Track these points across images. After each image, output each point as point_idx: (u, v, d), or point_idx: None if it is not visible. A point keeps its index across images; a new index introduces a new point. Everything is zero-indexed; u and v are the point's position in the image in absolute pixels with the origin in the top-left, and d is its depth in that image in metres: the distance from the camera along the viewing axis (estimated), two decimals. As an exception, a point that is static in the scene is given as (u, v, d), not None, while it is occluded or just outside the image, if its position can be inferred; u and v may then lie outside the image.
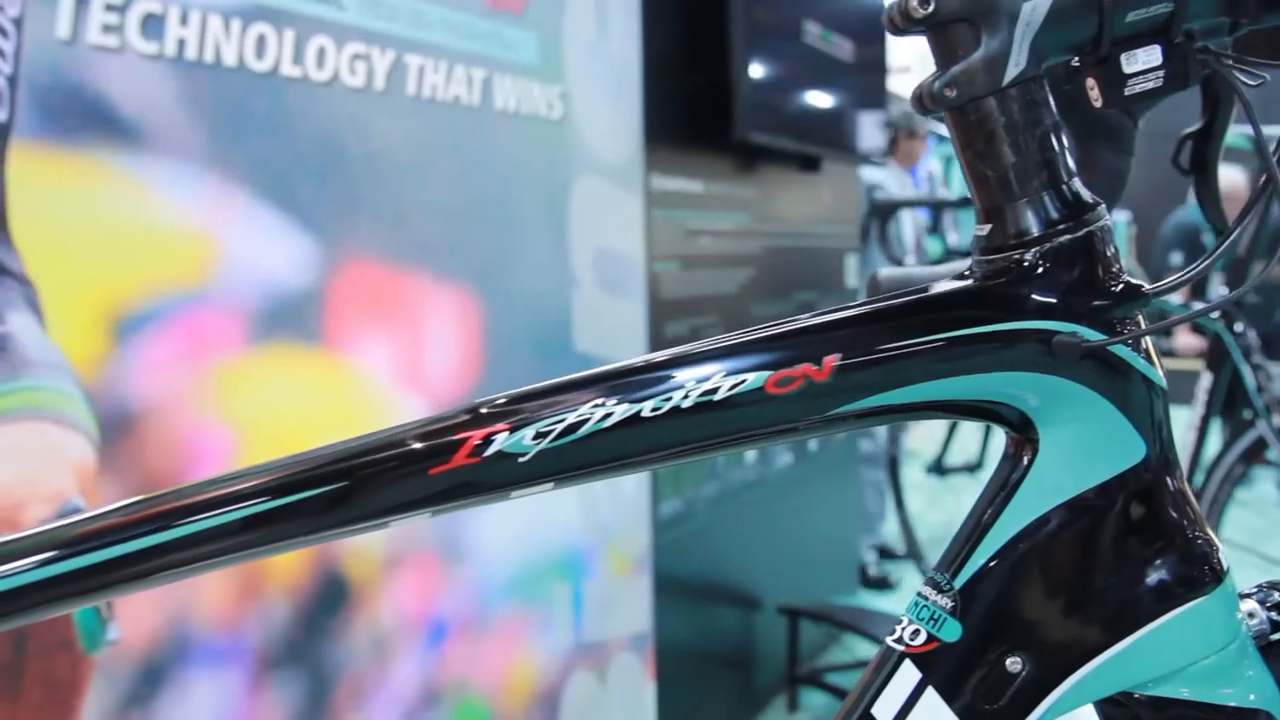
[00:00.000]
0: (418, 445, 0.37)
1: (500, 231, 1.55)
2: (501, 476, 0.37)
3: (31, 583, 0.37)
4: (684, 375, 0.40)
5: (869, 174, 3.25)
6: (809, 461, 2.82)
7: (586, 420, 0.37)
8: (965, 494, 3.68)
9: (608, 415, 0.37)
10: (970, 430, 3.10)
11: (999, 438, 0.46)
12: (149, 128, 1.06)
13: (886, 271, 0.48)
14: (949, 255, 3.69)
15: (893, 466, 3.12)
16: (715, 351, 0.41)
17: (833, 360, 0.41)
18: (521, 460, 0.37)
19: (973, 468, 3.03)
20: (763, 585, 2.56)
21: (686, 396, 0.40)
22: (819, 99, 2.56)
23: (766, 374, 0.40)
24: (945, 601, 0.42)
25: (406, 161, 1.37)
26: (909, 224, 3.48)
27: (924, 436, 4.62)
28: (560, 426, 0.37)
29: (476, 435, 0.37)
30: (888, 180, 3.37)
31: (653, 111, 1.91)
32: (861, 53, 2.74)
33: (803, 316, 0.43)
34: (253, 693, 1.18)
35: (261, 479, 0.37)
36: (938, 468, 3.06)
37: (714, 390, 0.40)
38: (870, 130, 2.80)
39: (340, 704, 1.29)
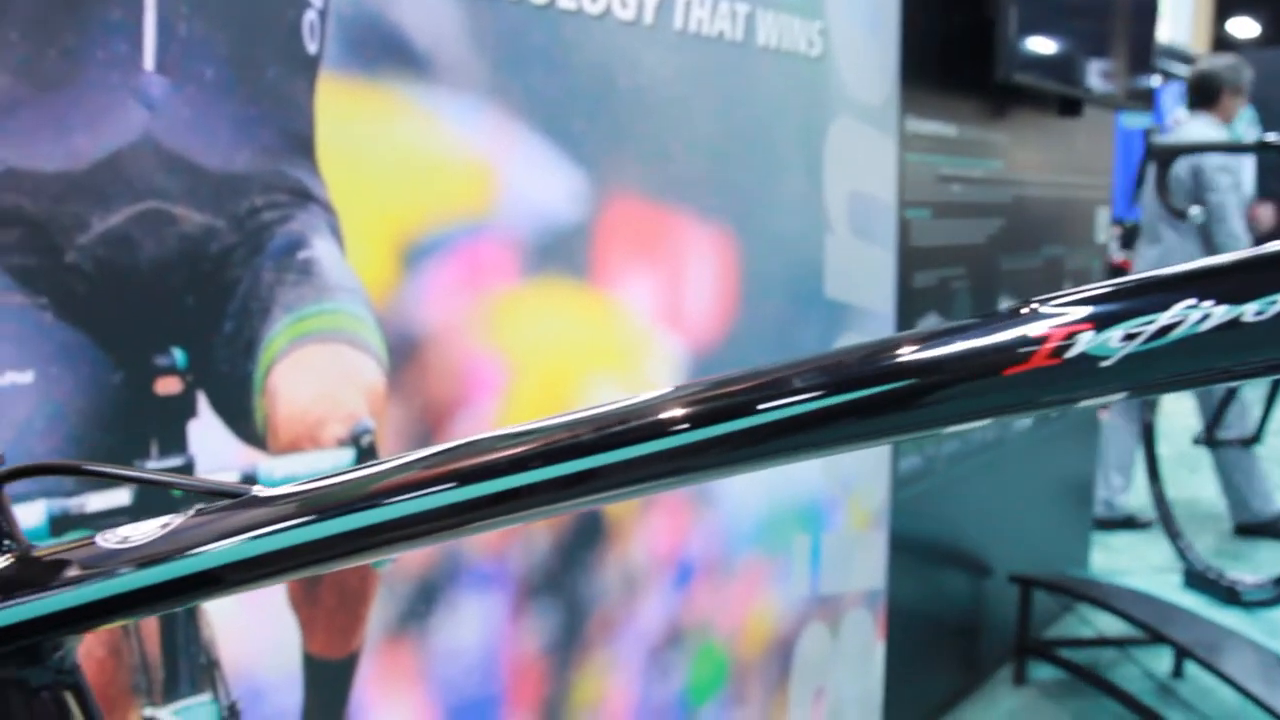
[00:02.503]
0: (989, 343, 0.33)
1: (758, 171, 1.51)
2: (1080, 382, 0.32)
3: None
4: None
5: (1193, 128, 2.97)
6: (1048, 426, 2.67)
7: (1180, 322, 0.32)
8: (1207, 473, 3.41)
9: (1205, 317, 0.32)
10: (1254, 398, 2.81)
11: None
12: (438, 59, 1.08)
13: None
14: None
15: (1148, 435, 2.90)
16: None
17: None
18: (1104, 364, 0.32)
19: (1248, 441, 2.72)
20: (994, 551, 2.46)
21: None
22: (1085, 38, 2.37)
23: None
24: None
25: (672, 96, 1.35)
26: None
27: (1167, 409, 4.31)
28: (1152, 328, 0.32)
29: (1058, 334, 0.32)
30: (1209, 134, 3.05)
31: (909, 50, 1.81)
32: (1132, -13, 2.53)
33: None
34: (514, 618, 1.21)
35: (807, 382, 0.33)
36: (1208, 439, 2.78)
37: None
38: (1137, 72, 2.59)
39: (592, 636, 1.31)
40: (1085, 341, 0.31)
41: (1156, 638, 2.14)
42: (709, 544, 1.48)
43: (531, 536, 1.21)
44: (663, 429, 0.33)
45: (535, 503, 0.33)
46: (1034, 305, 0.33)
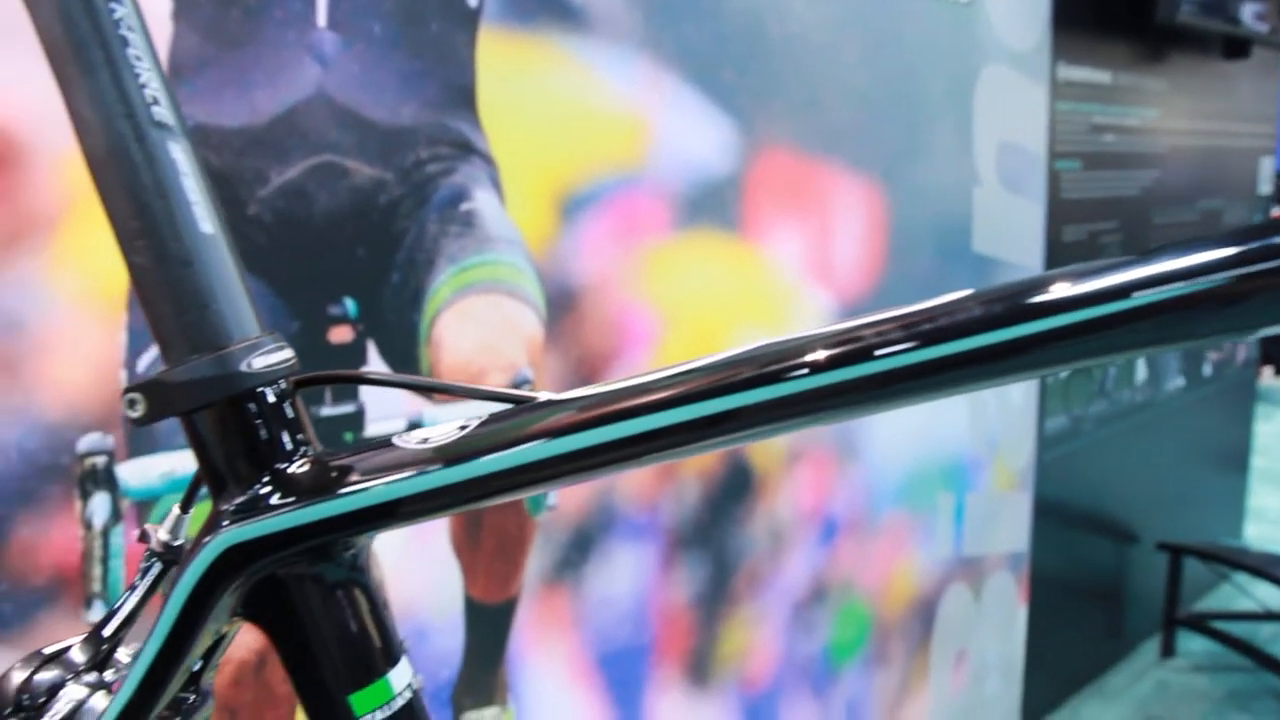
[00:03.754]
0: None
1: (906, 122, 1.48)
2: None
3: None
4: None
5: None
6: (1202, 387, 2.55)
7: None
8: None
9: None
10: None
11: None
12: (592, 11, 1.07)
13: None
14: None
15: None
16: None
17: None
18: None
19: None
20: (1141, 517, 2.37)
21: None
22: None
23: None
24: None
25: (821, 45, 1.32)
26: None
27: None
28: None
29: None
30: None
31: (1062, -9, 1.73)
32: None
33: None
34: (665, 568, 1.22)
35: (1114, 282, 0.31)
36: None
37: None
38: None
39: (739, 589, 1.31)
40: None
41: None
42: (854, 500, 1.47)
43: (682, 488, 1.22)
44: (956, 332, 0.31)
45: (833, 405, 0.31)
46: None
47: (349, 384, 0.40)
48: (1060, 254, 1.88)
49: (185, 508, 0.41)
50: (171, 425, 0.90)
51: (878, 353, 0.31)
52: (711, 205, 1.19)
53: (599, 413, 0.32)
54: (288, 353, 0.38)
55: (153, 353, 0.84)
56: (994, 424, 1.76)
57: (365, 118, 0.92)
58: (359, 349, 0.95)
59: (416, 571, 1.01)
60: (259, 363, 0.36)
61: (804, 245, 1.32)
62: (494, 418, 0.35)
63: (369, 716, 0.38)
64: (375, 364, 0.96)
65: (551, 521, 1.10)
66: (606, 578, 1.16)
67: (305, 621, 0.37)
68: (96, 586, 0.84)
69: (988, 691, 1.85)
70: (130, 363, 0.83)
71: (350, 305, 0.93)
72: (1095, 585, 2.27)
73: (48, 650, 0.39)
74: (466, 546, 1.04)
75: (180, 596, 0.36)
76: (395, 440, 0.36)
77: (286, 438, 0.37)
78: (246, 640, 0.92)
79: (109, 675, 0.39)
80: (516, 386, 1.04)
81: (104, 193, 0.36)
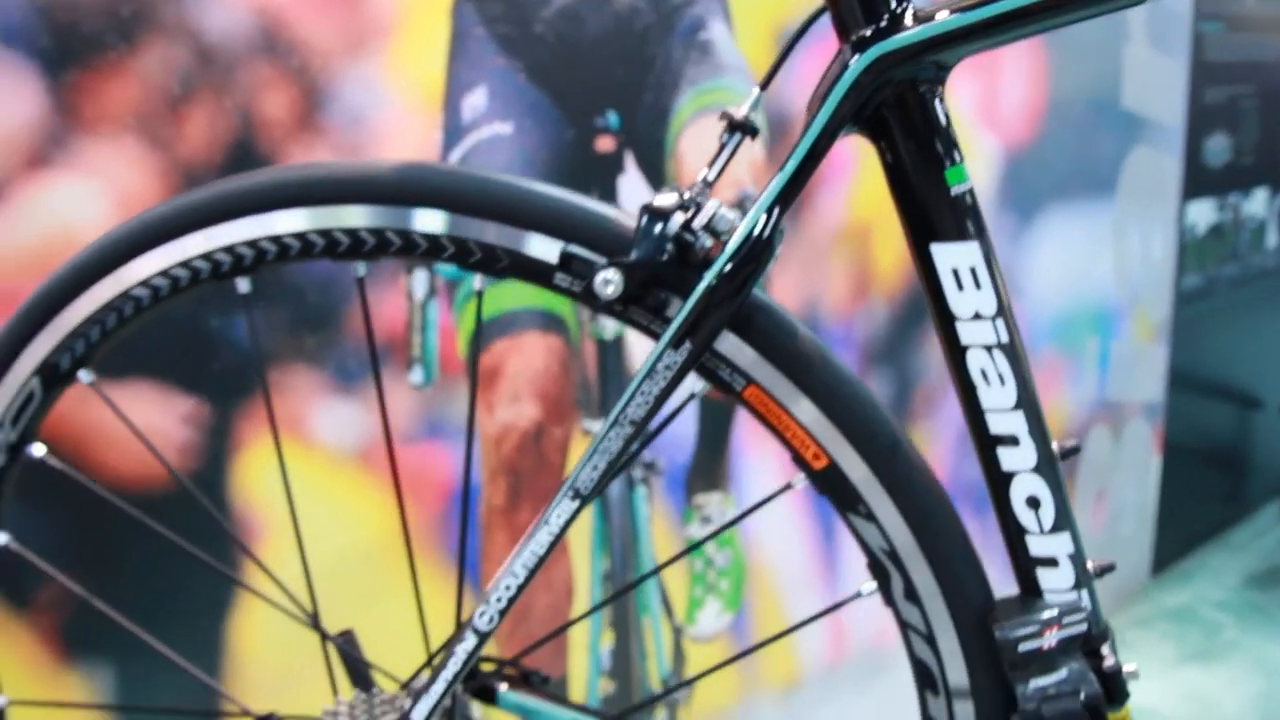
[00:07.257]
0: None
1: (1069, -25, 1.55)
2: None
3: None
4: None
5: None
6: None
7: None
8: None
9: None
10: None
11: None
12: None
13: None
14: None
15: None
16: None
17: None
18: None
19: None
20: (1267, 382, 2.43)
21: None
22: None
23: None
24: None
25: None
26: None
27: None
28: None
29: None
30: None
31: None
32: None
33: None
34: (856, 381, 1.34)
35: None
36: None
37: None
38: None
39: (916, 407, 1.43)
40: None
41: None
42: (1015, 335, 1.57)
43: (874, 307, 1.34)
44: None
45: None
46: None
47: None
48: (1201, 116, 1.93)
49: (764, 86, 0.54)
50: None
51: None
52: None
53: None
54: None
55: (463, 148, 0.97)
56: (1136, 272, 1.84)
57: (623, -50, 1.04)
58: (619, 159, 1.07)
59: (660, 362, 1.14)
60: None
61: (976, 92, 1.42)
62: None
63: (956, 187, 0.51)
64: (632, 174, 1.08)
65: (767, 327, 1.23)
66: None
67: (914, 118, 0.50)
68: (416, 352, 0.99)
69: (1124, 532, 1.97)
70: (444, 156, 0.96)
71: (613, 118, 1.06)
72: (1220, 446, 2.36)
73: (671, 189, 0.52)
74: (699, 343, 1.17)
75: (833, 101, 0.50)
76: None
77: None
78: (528, 413, 1.07)
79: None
80: (741, 201, 1.16)
81: None
